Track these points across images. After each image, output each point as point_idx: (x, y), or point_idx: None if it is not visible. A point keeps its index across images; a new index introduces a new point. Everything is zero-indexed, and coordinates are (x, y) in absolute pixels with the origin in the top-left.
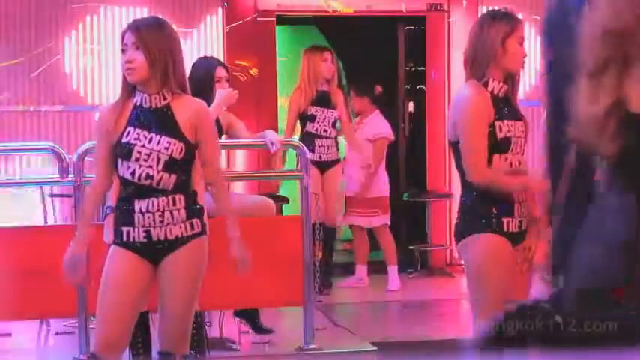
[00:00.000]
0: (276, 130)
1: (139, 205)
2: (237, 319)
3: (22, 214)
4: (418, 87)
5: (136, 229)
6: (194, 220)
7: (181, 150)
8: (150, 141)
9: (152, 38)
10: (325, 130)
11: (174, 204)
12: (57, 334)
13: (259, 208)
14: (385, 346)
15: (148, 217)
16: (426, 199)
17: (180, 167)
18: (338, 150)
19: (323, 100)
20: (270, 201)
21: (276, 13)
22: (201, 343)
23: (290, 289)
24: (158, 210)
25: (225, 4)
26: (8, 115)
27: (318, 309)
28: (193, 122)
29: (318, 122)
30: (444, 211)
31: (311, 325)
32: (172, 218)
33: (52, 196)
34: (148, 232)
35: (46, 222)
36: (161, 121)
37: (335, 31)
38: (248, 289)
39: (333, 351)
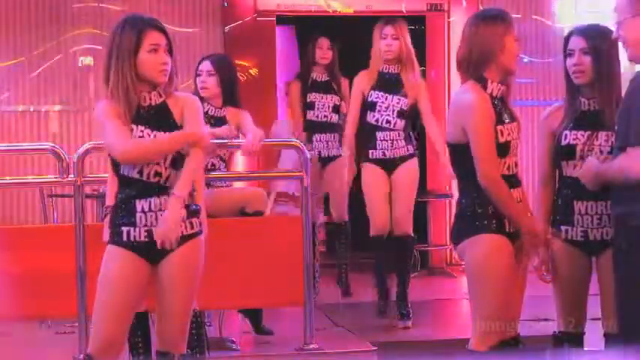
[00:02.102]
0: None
1: (141, 204)
2: (241, 315)
3: None
4: None
5: (138, 229)
6: (194, 220)
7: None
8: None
9: (170, 41)
10: (388, 121)
11: None
12: (57, 334)
13: (252, 198)
14: (385, 346)
15: (150, 216)
16: (426, 199)
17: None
18: (409, 143)
19: (387, 84)
20: (262, 191)
21: (276, 13)
22: (201, 343)
23: (290, 289)
24: (160, 209)
25: (225, 4)
26: (8, 115)
27: (318, 309)
28: (183, 111)
29: (379, 111)
30: (444, 211)
31: (311, 325)
32: None
33: (52, 196)
34: (149, 231)
35: (46, 222)
36: (161, 119)
37: (335, 31)
38: (248, 289)
39: (333, 351)
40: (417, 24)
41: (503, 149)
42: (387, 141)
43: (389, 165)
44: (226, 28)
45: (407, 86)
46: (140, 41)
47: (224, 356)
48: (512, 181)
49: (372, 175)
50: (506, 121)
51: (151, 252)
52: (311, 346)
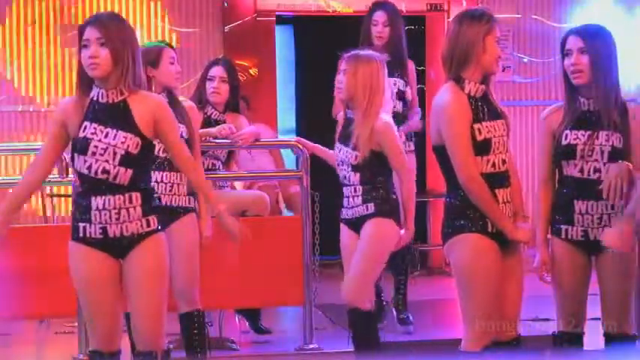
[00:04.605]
0: (275, 130)
1: (97, 201)
2: (239, 316)
3: None
4: (418, 87)
5: (93, 226)
6: (150, 218)
7: (137, 145)
8: (106, 135)
9: (116, 33)
10: (345, 177)
11: (130, 201)
12: (57, 333)
13: (254, 202)
14: (385, 346)
15: (105, 214)
16: (426, 199)
17: (137, 162)
18: (371, 201)
19: (345, 132)
20: (265, 195)
21: (276, 13)
22: (203, 343)
23: (290, 289)
24: (114, 207)
25: (225, 4)
26: (8, 115)
27: (318, 309)
28: (152, 117)
29: (338, 166)
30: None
31: (311, 325)
32: (128, 215)
33: (52, 196)
34: (104, 228)
35: (46, 222)
36: (117, 116)
37: (334, 31)
38: (248, 289)
39: (333, 351)
40: (417, 24)
41: (483, 147)
42: (346, 198)
43: (354, 226)
44: (226, 28)
45: (357, 133)
46: (80, 40)
47: (224, 356)
48: (500, 179)
49: (343, 238)
50: (486, 118)
51: (108, 248)
52: (311, 346)
